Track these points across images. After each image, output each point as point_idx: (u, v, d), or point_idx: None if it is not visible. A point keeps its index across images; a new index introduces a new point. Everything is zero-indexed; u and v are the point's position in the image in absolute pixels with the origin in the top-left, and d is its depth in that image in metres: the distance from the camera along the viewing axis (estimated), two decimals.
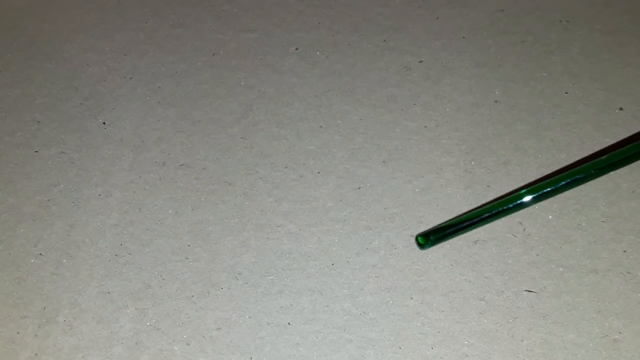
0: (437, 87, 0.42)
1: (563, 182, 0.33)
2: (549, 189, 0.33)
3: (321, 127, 0.41)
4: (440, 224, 0.36)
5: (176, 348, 0.34)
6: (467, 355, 0.33)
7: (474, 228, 0.34)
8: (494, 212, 0.34)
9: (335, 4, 0.46)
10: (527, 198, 0.33)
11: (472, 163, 0.39)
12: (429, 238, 0.34)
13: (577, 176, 0.33)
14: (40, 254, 0.37)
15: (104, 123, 0.41)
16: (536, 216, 0.37)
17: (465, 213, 0.37)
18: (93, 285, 0.36)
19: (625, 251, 0.35)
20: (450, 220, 0.36)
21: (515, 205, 0.34)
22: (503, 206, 0.34)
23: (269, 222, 0.37)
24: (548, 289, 0.35)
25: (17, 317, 0.35)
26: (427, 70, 0.42)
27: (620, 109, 0.40)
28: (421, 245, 0.34)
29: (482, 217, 0.34)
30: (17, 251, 0.37)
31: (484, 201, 0.37)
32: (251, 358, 0.34)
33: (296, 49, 0.44)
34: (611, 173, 0.37)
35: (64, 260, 0.37)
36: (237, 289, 0.36)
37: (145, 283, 0.36)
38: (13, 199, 0.39)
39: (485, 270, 0.35)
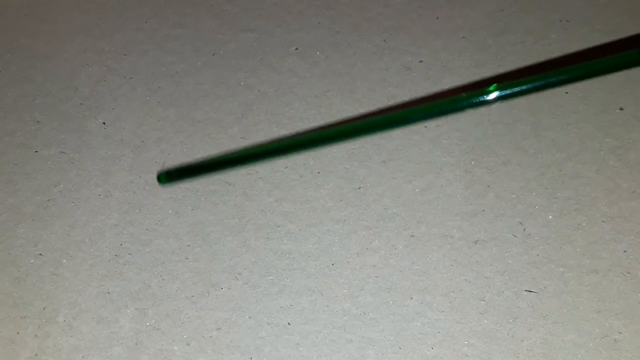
0: (437, 87, 0.42)
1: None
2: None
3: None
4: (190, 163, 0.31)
5: (176, 348, 0.34)
6: (467, 355, 0.33)
7: (225, 169, 0.29)
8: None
9: (335, 4, 0.46)
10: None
11: (472, 163, 0.39)
12: (171, 175, 0.30)
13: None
14: (40, 254, 0.37)
15: (104, 123, 0.41)
16: (536, 216, 0.37)
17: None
18: (93, 285, 0.36)
19: (625, 251, 0.35)
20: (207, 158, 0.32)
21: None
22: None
23: (269, 222, 0.37)
24: (548, 289, 0.35)
25: (17, 317, 0.35)
26: (427, 70, 0.42)
27: (621, 109, 0.40)
28: (159, 180, 0.31)
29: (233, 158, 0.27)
30: (17, 251, 0.37)
31: (484, 201, 0.37)
32: (251, 358, 0.34)
33: (296, 49, 0.44)
34: (611, 174, 0.37)
35: (64, 260, 0.37)
36: (237, 289, 0.36)
37: (145, 283, 0.36)
38: (13, 199, 0.39)
39: (485, 270, 0.35)
